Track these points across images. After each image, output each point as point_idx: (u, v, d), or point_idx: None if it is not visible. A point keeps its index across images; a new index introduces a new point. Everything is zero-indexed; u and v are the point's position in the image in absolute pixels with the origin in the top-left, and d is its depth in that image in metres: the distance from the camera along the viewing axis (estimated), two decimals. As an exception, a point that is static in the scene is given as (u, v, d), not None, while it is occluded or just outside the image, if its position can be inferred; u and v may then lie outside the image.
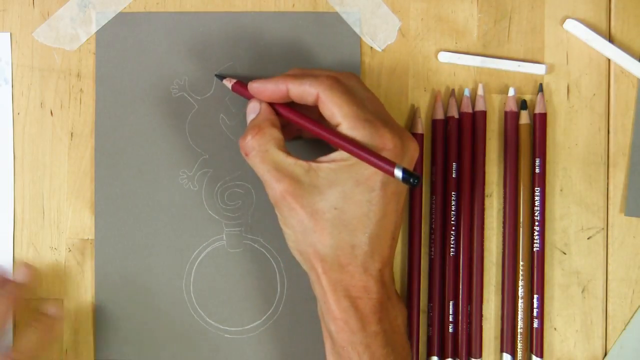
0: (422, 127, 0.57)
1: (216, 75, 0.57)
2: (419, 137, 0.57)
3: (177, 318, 0.57)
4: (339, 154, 0.50)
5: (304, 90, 0.50)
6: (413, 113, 0.58)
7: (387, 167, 0.47)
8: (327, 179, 0.49)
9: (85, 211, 0.58)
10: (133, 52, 0.58)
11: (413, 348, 0.57)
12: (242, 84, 0.54)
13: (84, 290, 0.58)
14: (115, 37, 0.58)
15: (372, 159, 0.48)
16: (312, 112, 0.52)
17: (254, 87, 0.52)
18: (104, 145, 0.58)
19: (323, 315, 0.52)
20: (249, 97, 0.53)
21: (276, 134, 0.51)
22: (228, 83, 0.55)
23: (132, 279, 0.57)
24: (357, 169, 0.49)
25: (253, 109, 0.52)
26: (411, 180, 0.46)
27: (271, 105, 0.52)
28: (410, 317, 0.56)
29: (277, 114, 0.52)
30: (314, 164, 0.50)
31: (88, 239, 0.58)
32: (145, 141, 0.58)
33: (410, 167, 0.51)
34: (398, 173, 0.47)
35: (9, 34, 0.58)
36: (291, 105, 0.52)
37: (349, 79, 0.52)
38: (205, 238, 0.58)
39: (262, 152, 0.50)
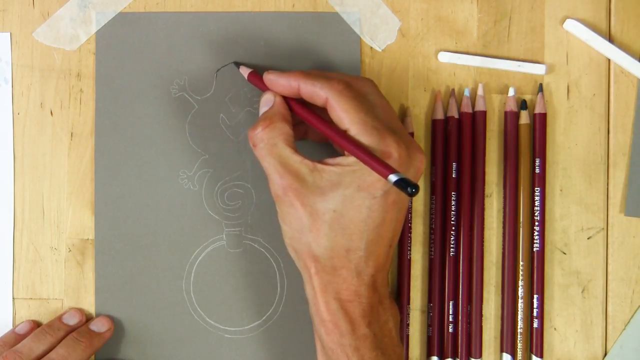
0: (411, 125, 0.57)
1: (234, 62, 0.57)
2: None
3: (177, 318, 0.57)
4: (345, 159, 0.50)
5: (314, 92, 0.50)
6: (403, 112, 0.58)
7: (386, 172, 0.47)
8: (330, 181, 0.49)
9: (85, 211, 0.58)
10: (133, 52, 0.58)
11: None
12: (257, 74, 0.54)
13: (84, 290, 0.58)
14: (115, 37, 0.58)
15: (374, 164, 0.47)
16: (323, 112, 0.52)
17: (268, 78, 0.52)
18: (104, 145, 0.58)
19: (313, 317, 0.52)
20: (262, 88, 0.53)
21: (286, 129, 0.51)
22: (244, 72, 0.55)
23: (132, 279, 0.57)
24: (361, 175, 0.49)
25: (266, 102, 0.53)
26: (409, 189, 0.45)
27: (285, 99, 0.52)
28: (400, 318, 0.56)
29: (289, 108, 0.52)
30: (319, 165, 0.50)
31: (88, 239, 0.58)
32: (145, 141, 0.58)
33: (416, 178, 0.51)
34: (393, 179, 0.46)
35: (9, 34, 0.58)
36: (304, 102, 0.52)
37: (363, 85, 0.52)
38: (205, 238, 0.58)
39: (270, 145, 0.50)
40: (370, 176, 0.49)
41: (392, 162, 0.48)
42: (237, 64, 0.57)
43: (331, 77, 0.51)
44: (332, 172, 0.50)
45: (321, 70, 0.57)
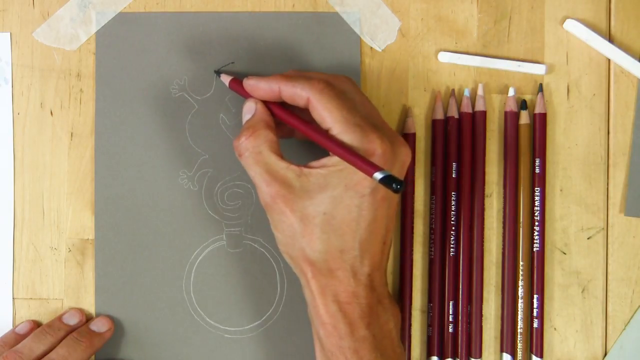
0: (413, 126, 0.57)
1: (215, 71, 0.57)
2: (410, 137, 0.57)
3: (177, 318, 0.57)
4: (330, 159, 0.50)
5: (295, 93, 0.50)
6: (405, 113, 0.58)
7: (371, 170, 0.46)
8: (317, 184, 0.49)
9: (85, 211, 0.58)
10: (133, 52, 0.58)
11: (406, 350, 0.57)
12: (238, 81, 0.54)
13: (84, 290, 0.58)
14: (115, 37, 0.58)
15: (359, 162, 0.47)
16: (305, 113, 0.52)
17: (248, 84, 0.52)
18: (104, 145, 0.58)
19: (312, 319, 0.52)
20: (244, 95, 0.53)
21: (270, 136, 0.51)
22: (225, 80, 0.55)
23: (132, 279, 0.57)
24: (347, 174, 0.49)
25: (249, 109, 0.52)
26: (394, 186, 0.45)
27: (266, 104, 0.52)
28: (402, 319, 0.56)
29: (271, 113, 0.52)
30: (305, 169, 0.50)
31: (88, 239, 0.58)
32: (145, 141, 0.58)
33: (402, 173, 0.51)
34: (378, 176, 0.46)
35: (9, 34, 0.58)
36: (285, 105, 0.52)
37: (342, 83, 0.52)
38: (205, 238, 0.58)
39: (256, 153, 0.50)
40: (357, 174, 0.49)
41: (377, 158, 0.48)
42: (218, 73, 0.56)
43: (311, 77, 0.51)
44: (318, 174, 0.49)
45: (322, 71, 0.57)
